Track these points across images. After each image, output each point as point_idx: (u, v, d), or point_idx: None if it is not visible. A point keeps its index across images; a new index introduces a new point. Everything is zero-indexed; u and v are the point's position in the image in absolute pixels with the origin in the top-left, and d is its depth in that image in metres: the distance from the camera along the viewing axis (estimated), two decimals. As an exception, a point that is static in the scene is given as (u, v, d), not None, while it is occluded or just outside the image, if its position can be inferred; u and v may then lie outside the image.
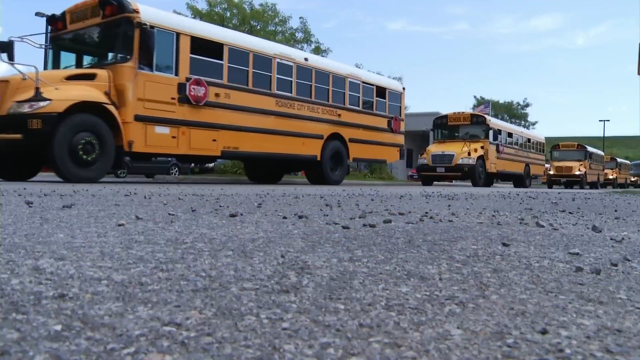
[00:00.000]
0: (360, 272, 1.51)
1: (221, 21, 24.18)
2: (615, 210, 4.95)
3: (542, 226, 3.01)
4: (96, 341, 0.85)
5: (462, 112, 21.37)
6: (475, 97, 53.59)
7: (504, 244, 2.18)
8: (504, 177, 24.37)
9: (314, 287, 1.30)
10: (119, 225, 2.42)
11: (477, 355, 0.86)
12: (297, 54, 13.44)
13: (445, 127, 21.45)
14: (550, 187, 27.84)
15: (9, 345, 0.81)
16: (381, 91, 16.14)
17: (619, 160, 41.82)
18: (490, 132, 20.26)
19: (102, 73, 8.97)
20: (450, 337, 0.95)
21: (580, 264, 1.75)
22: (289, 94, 12.74)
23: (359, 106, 15.19)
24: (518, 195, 9.01)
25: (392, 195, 7.16)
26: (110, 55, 10.06)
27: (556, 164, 28.66)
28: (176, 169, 22.89)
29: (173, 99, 9.93)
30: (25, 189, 5.72)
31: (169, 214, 3.08)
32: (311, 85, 13.40)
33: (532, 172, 25.12)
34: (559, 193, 12.07)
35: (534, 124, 52.94)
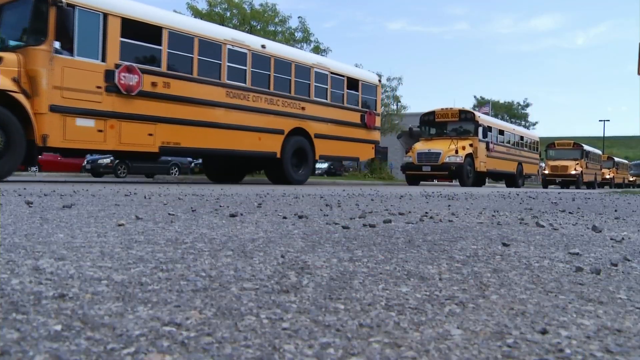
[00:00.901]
0: (360, 272, 1.51)
1: (221, 21, 24.16)
2: (615, 210, 4.95)
3: (542, 226, 3.01)
4: (96, 341, 0.85)
5: (450, 108, 19.99)
6: (475, 97, 53.61)
7: (504, 244, 2.18)
8: (495, 176, 23.42)
9: (314, 287, 1.30)
10: (119, 225, 2.42)
11: (477, 355, 0.86)
12: (252, 40, 12.20)
13: (433, 123, 20.21)
14: (545, 187, 27.08)
15: (9, 345, 0.81)
16: (353, 83, 14.85)
17: (616, 159, 40.87)
18: (480, 129, 19.17)
19: (9, 57, 7.92)
20: (450, 337, 0.95)
21: (580, 264, 1.75)
22: (243, 84, 11.52)
23: (326, 99, 13.91)
24: (518, 195, 9.01)
25: (392, 195, 7.16)
26: (21, 37, 8.75)
27: (551, 163, 27.64)
28: (176, 169, 22.89)
29: (99, 87, 8.87)
30: (25, 189, 5.72)
31: (169, 214, 3.08)
32: (270, 75, 12.15)
33: (525, 171, 24.27)
34: (558, 193, 12.07)
35: (534, 124, 52.90)
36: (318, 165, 42.71)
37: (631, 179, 44.06)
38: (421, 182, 20.71)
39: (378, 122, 15.94)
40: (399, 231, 2.56)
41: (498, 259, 1.82)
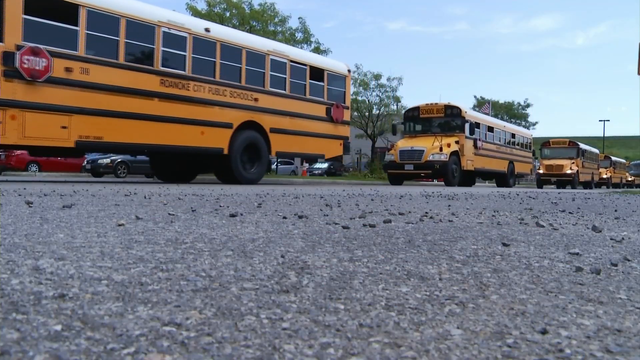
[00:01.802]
0: (360, 272, 1.51)
1: (221, 21, 24.19)
2: (615, 210, 4.95)
3: (542, 226, 3.01)
4: (96, 341, 0.85)
5: (436, 103, 18.74)
6: (475, 97, 53.61)
7: (504, 244, 2.18)
8: (485, 175, 22.40)
9: (314, 287, 1.30)
10: (119, 225, 2.42)
11: (477, 355, 0.86)
12: (193, 23, 10.93)
13: (417, 120, 18.99)
14: (540, 187, 25.94)
15: (9, 345, 0.81)
16: (317, 73, 13.47)
17: (613, 158, 39.69)
18: (467, 126, 17.99)
19: None
20: (450, 337, 0.95)
21: (580, 264, 1.75)
22: (181, 72, 10.33)
23: (285, 90, 12.55)
24: (518, 195, 9.01)
25: (392, 195, 7.16)
26: None
27: (546, 162, 26.33)
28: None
29: None
30: (25, 189, 5.72)
31: (169, 214, 3.08)
32: (215, 62, 10.94)
33: (517, 170, 23.21)
34: (558, 193, 12.07)
35: (534, 124, 52.83)
36: (317, 166, 42.71)
37: (630, 179, 43.37)
38: (405, 182, 19.80)
39: (347, 115, 14.70)
40: (399, 231, 2.56)
41: (498, 259, 1.82)
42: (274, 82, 12.36)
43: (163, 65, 10.03)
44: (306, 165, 40.27)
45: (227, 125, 11.13)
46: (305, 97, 13.22)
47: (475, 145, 18.68)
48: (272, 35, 24.74)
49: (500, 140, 21.73)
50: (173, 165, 12.52)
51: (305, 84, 13.22)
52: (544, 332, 0.98)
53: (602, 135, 59.54)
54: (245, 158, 11.61)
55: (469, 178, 20.82)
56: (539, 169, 26.62)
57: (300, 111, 12.95)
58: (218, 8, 24.52)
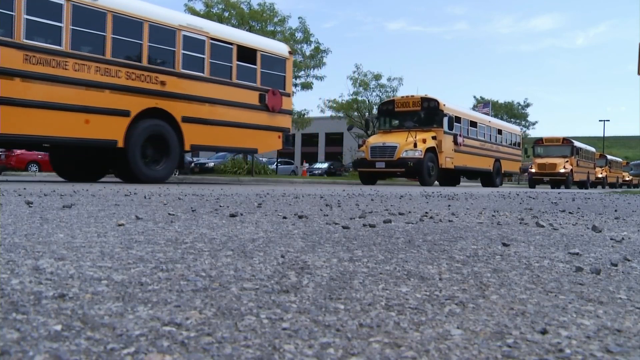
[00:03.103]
0: (360, 272, 1.51)
1: (220, 22, 24.17)
2: (615, 210, 4.95)
3: (542, 226, 3.01)
4: (96, 341, 0.85)
5: (412, 96, 17.33)
6: (475, 97, 53.54)
7: (504, 244, 2.18)
8: (468, 174, 21.05)
9: (314, 287, 1.30)
10: (119, 225, 2.42)
11: (477, 355, 0.86)
12: None
13: (393, 114, 17.58)
14: (532, 186, 24.65)
15: (9, 345, 0.81)
16: (248, 53, 11.64)
17: (609, 157, 38.02)
18: (445, 120, 16.61)
19: None
20: (450, 337, 0.95)
21: (580, 264, 1.75)
22: (56, 47, 8.58)
23: (203, 72, 10.80)
24: (518, 195, 9.01)
25: (392, 195, 7.16)
26: None
27: (538, 160, 24.87)
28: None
29: None
30: (25, 189, 5.72)
31: (169, 214, 3.08)
32: (105, 36, 9.17)
33: (504, 168, 21.76)
34: (558, 193, 12.07)
35: (534, 123, 52.76)
36: (317, 166, 42.64)
37: (627, 179, 42.60)
38: (378, 181, 18.57)
39: (288, 104, 12.74)
40: (399, 231, 2.56)
41: (498, 259, 1.81)
42: (187, 63, 10.54)
43: (27, 37, 8.28)
44: (306, 165, 40.29)
45: (122, 113, 9.31)
46: (230, 82, 11.33)
47: (455, 142, 17.40)
48: (272, 35, 24.73)
49: (484, 137, 20.34)
50: (76, 162, 10.77)
51: (231, 66, 11.35)
52: (544, 332, 0.98)
53: (602, 135, 59.54)
54: (149, 152, 9.94)
55: (452, 177, 19.70)
56: (531, 168, 25.41)
57: (223, 98, 11.14)
58: (216, 8, 24.50)
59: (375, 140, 16.70)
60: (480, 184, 22.29)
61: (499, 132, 21.97)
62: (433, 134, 16.40)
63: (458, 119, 17.87)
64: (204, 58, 10.85)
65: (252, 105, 11.70)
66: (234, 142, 11.64)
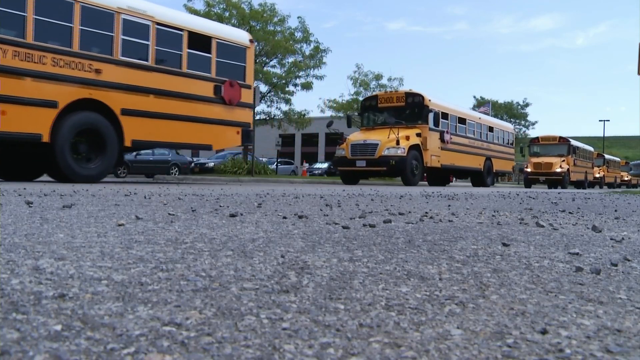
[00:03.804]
0: (360, 272, 1.51)
1: (220, 21, 24.16)
2: (615, 210, 4.95)
3: (542, 226, 3.01)
4: (96, 341, 0.85)
5: (396, 91, 16.87)
6: (475, 97, 53.53)
7: (504, 244, 2.18)
8: (457, 173, 20.09)
9: (314, 287, 1.30)
10: (119, 225, 2.42)
11: (477, 355, 0.86)
12: None
13: (376, 110, 16.74)
14: (528, 186, 24.13)
15: (9, 345, 0.81)
16: (201, 41, 10.74)
17: (606, 157, 37.30)
18: (430, 115, 15.79)
19: None
20: (450, 337, 0.95)
21: (580, 264, 1.75)
22: None
23: (147, 60, 9.85)
24: (518, 195, 9.01)
25: (392, 195, 7.16)
26: None
27: (534, 159, 24.26)
28: (176, 168, 22.92)
29: None
30: (25, 189, 5.72)
31: (169, 214, 3.08)
32: (25, 17, 8.18)
33: (495, 167, 20.85)
34: (558, 193, 12.07)
35: (533, 123, 52.76)
36: (317, 165, 42.59)
37: (625, 179, 41.88)
38: (361, 181, 17.56)
39: (248, 97, 11.67)
40: (399, 231, 2.56)
41: (498, 259, 1.82)
42: (128, 50, 9.54)
43: None
44: (306, 165, 40.28)
45: (48, 104, 8.34)
46: (180, 71, 10.38)
47: (442, 139, 16.59)
48: (272, 35, 24.71)
49: (474, 134, 19.43)
50: (15, 160, 9.83)
51: (181, 55, 10.41)
52: (544, 332, 0.98)
53: (602, 135, 59.53)
54: (82, 148, 9.07)
55: (441, 176, 18.87)
56: (526, 167, 24.84)
57: (171, 89, 10.16)
58: (217, 8, 24.50)
59: (356, 137, 15.96)
60: (470, 184, 21.35)
61: (490, 129, 21.14)
62: (418, 130, 15.65)
63: (445, 115, 17.07)
64: (148, 45, 9.85)
65: (205, 98, 10.71)
66: (184, 138, 10.62)
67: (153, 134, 10.01)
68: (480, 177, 19.98)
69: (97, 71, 9.10)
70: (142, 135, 9.77)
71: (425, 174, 18.27)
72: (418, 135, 15.53)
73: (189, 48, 10.53)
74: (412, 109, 16.13)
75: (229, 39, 11.42)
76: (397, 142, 14.69)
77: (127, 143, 9.61)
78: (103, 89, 9.17)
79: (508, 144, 23.03)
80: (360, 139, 15.61)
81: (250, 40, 12.08)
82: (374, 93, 17.53)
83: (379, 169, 15.03)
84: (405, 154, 14.69)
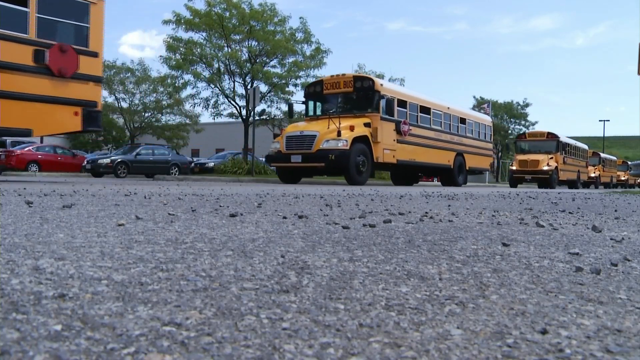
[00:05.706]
0: (360, 272, 1.51)
1: (220, 21, 24.16)
2: (615, 210, 4.95)
3: (542, 226, 3.01)
4: (96, 341, 0.85)
5: (343, 75, 14.17)
6: (475, 97, 53.55)
7: (504, 244, 2.18)
8: (422, 170, 17.33)
9: (314, 287, 1.30)
10: (119, 225, 2.42)
11: (477, 355, 0.86)
12: None
13: (321, 97, 14.44)
14: (513, 185, 22.47)
15: (9, 345, 0.81)
16: None
17: (602, 155, 35.51)
18: (382, 102, 13.38)
19: None
20: (450, 337, 0.95)
21: (580, 264, 1.75)
22: None
23: None
24: (518, 195, 9.02)
25: (392, 195, 7.16)
26: None
27: (520, 157, 22.35)
28: (176, 168, 22.93)
29: None
30: (25, 189, 5.71)
31: (169, 214, 3.08)
32: None
33: (469, 164, 18.29)
34: (558, 193, 12.07)
35: (533, 123, 52.80)
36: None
37: (622, 178, 40.80)
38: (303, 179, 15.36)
39: (93, 67, 9.06)
40: (399, 231, 2.56)
41: (498, 259, 1.81)
42: None
43: None
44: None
45: None
46: None
47: (398, 130, 14.14)
48: (272, 35, 24.69)
49: (442, 126, 16.83)
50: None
51: None
52: (544, 332, 0.98)
53: (602, 135, 59.53)
54: None
55: (409, 175, 16.80)
56: (511, 165, 23.13)
57: None
58: (218, 8, 24.49)
59: (293, 129, 13.57)
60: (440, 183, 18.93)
61: (462, 121, 18.28)
62: (366, 120, 13.23)
63: (403, 103, 14.67)
64: None
65: (18, 66, 8.08)
66: None
67: None
68: (450, 175, 17.48)
69: None
70: None
71: (391, 173, 15.76)
72: (367, 125, 13.18)
73: None
74: (361, 96, 13.82)
75: None
76: (339, 134, 12.30)
77: None
78: None
79: (485, 137, 20.39)
80: (296, 131, 13.25)
81: None
82: (319, 77, 14.80)
83: (316, 165, 12.68)
84: (347, 147, 12.27)
